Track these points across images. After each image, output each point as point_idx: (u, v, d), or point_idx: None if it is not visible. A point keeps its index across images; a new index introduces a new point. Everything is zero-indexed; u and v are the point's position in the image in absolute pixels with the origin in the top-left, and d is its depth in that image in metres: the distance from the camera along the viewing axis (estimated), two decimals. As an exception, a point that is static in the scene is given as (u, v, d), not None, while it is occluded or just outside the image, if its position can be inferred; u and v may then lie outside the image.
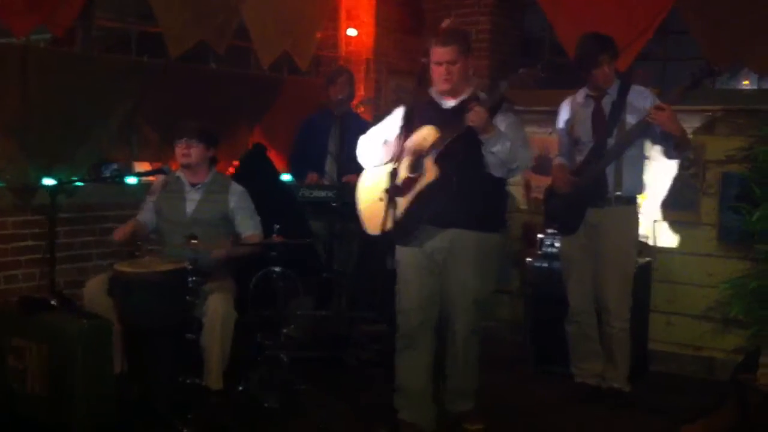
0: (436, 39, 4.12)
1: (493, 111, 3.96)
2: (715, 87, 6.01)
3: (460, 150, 3.96)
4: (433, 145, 3.99)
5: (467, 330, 4.21)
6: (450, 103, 4.14)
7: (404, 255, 4.17)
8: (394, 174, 4.08)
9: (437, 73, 4.08)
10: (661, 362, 5.58)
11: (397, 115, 4.28)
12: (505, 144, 3.91)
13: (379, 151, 4.22)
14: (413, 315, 4.14)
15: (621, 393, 4.88)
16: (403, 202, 4.06)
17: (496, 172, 4.02)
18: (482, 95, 4.03)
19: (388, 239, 4.11)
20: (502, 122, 4.02)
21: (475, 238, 4.10)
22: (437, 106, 4.15)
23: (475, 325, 4.23)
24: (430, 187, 4.00)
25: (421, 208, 4.02)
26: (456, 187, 3.97)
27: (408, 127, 4.15)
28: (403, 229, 4.05)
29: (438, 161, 3.99)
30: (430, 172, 4.00)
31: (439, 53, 4.05)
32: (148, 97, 5.33)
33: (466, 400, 4.37)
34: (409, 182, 4.06)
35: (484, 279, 4.18)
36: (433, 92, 4.19)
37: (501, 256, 4.36)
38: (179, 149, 4.78)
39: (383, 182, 4.11)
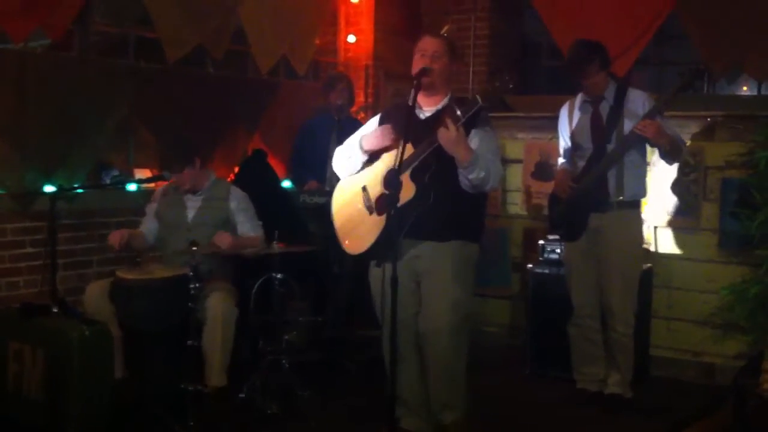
0: (427, 32, 4.07)
1: (467, 126, 3.82)
2: (714, 93, 6.03)
3: (434, 163, 3.82)
4: (408, 160, 3.83)
5: (448, 343, 4.01)
6: (427, 112, 4.03)
7: (382, 271, 3.87)
8: (365, 190, 4.04)
9: (418, 63, 3.94)
10: (662, 367, 5.56)
11: (373, 123, 4.22)
12: (480, 173, 3.80)
13: (354, 157, 4.12)
14: (398, 330, 3.87)
15: (622, 398, 4.87)
16: (379, 220, 3.94)
17: (468, 191, 3.91)
18: (457, 112, 3.77)
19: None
20: (475, 136, 3.90)
21: (450, 247, 3.98)
22: (414, 115, 4.00)
23: (456, 338, 4.03)
24: (408, 205, 3.83)
25: (399, 227, 3.80)
26: (433, 202, 3.83)
27: None
28: (380, 248, 3.90)
29: (414, 177, 3.86)
30: (408, 190, 3.83)
31: (427, 42, 3.97)
32: (146, 101, 5.31)
33: (452, 410, 4.18)
34: (385, 199, 3.91)
35: (461, 289, 4.02)
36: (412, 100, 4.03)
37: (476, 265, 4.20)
38: (174, 178, 4.78)
39: (358, 199, 4.07)
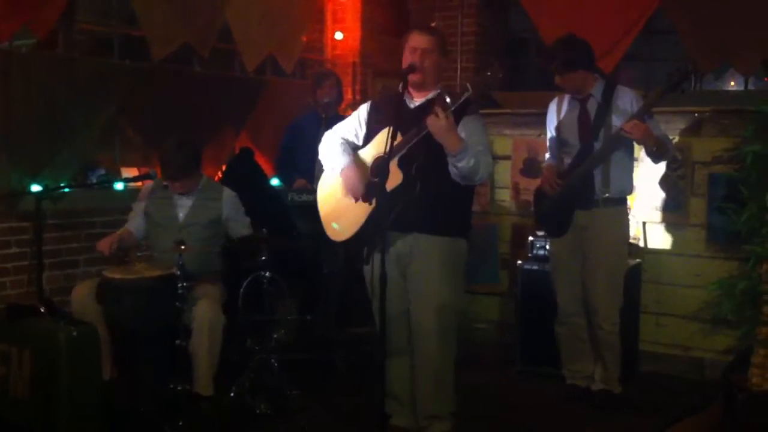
0: (417, 27, 4.05)
1: (457, 116, 3.80)
2: (701, 88, 6.03)
3: (423, 152, 3.81)
4: (396, 148, 3.80)
5: (436, 342, 3.99)
6: (416, 101, 4.02)
7: (371, 267, 3.95)
8: None
9: (408, 59, 3.91)
10: (651, 363, 5.57)
11: (363, 112, 4.20)
12: (470, 161, 3.76)
13: (337, 154, 4.13)
14: (389, 325, 3.83)
15: (611, 394, 4.87)
16: (365, 208, 3.94)
17: (457, 181, 3.88)
18: (447, 100, 3.75)
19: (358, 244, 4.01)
20: (464, 126, 3.87)
21: (438, 244, 3.95)
22: (403, 104, 3.99)
23: (445, 338, 4.01)
24: (394, 192, 3.82)
25: (385, 214, 3.79)
26: (419, 191, 3.82)
27: (371, 124, 4.10)
28: (366, 236, 3.91)
29: (401, 165, 3.84)
30: (394, 177, 3.82)
31: (417, 39, 3.94)
32: (132, 100, 5.28)
33: (440, 421, 4.13)
34: (373, 187, 3.91)
35: (450, 287, 4.00)
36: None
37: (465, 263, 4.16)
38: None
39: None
